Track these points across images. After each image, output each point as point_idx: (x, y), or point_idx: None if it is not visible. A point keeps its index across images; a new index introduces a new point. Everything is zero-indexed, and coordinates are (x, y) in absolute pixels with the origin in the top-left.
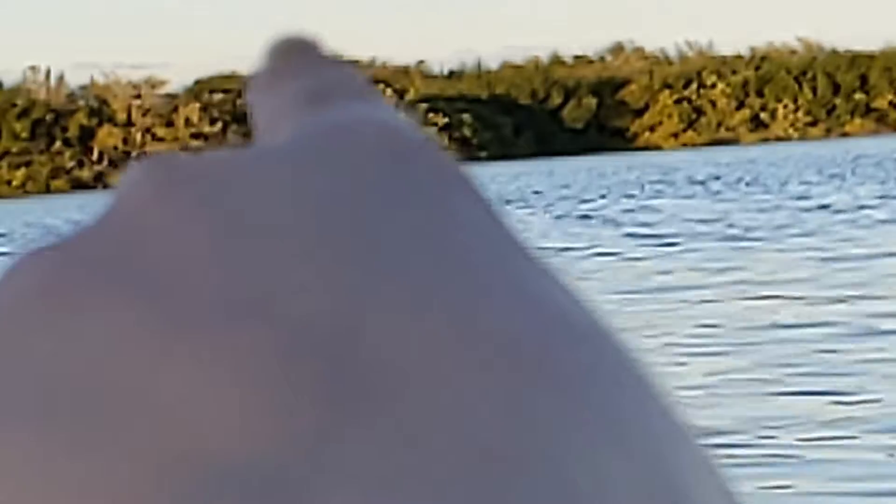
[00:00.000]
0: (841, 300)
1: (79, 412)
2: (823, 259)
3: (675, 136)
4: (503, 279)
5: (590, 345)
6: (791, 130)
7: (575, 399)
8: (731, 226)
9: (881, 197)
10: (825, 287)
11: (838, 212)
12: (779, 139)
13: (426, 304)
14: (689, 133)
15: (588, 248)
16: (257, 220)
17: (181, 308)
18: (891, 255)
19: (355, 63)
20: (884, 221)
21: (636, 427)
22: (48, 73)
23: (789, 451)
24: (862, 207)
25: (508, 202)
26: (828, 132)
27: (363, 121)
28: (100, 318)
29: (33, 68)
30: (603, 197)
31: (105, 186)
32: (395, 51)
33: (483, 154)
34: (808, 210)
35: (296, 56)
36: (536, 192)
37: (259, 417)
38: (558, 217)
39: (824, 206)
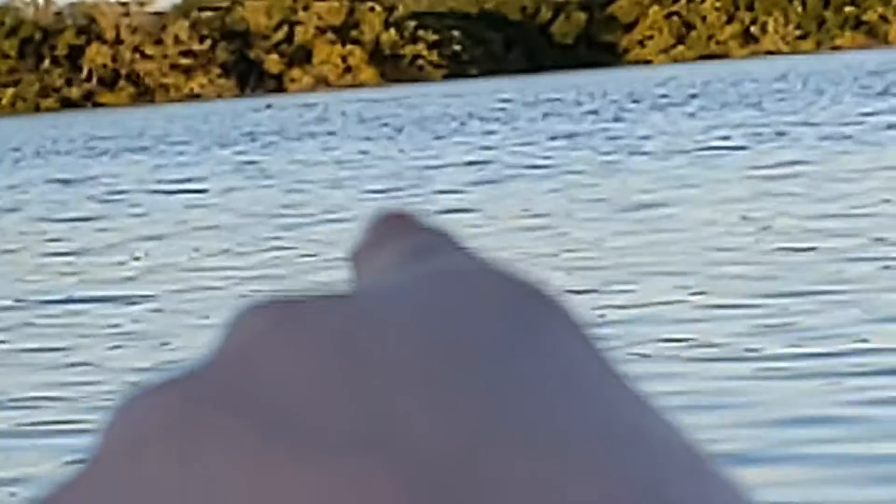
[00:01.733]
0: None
1: None
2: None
3: (666, 51)
4: (612, 416)
5: (692, 477)
6: (781, 44)
7: None
8: (702, 142)
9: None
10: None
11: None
12: (769, 53)
13: (537, 445)
14: (680, 48)
15: (559, 165)
16: (375, 357)
17: (303, 440)
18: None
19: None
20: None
21: None
22: None
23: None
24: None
25: (486, 119)
26: (818, 45)
27: (471, 266)
28: (221, 453)
29: None
30: (585, 114)
31: (94, 104)
32: None
33: (473, 70)
34: (790, 125)
35: (396, 224)
36: (518, 106)
37: None
38: (535, 134)
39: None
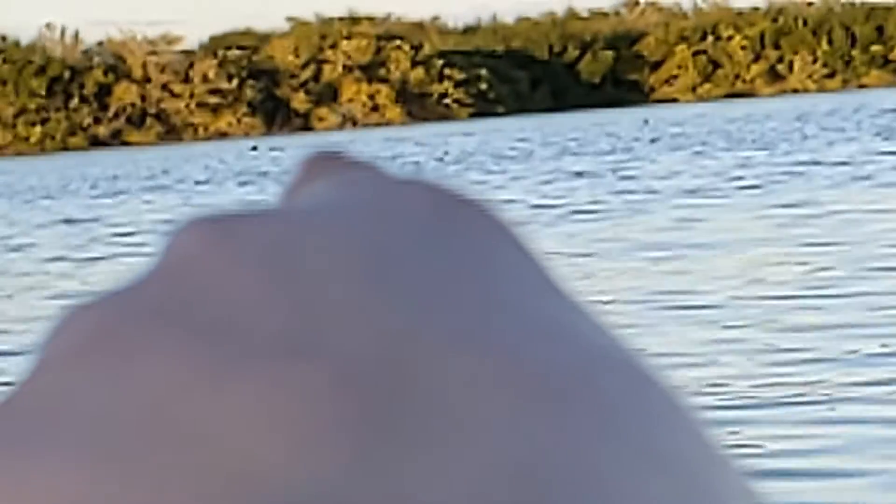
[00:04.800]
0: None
1: (134, 445)
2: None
3: (693, 89)
4: (539, 316)
5: (621, 373)
6: (808, 82)
7: (610, 422)
8: (716, 179)
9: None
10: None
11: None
12: (795, 91)
13: (467, 340)
14: (706, 86)
15: (573, 204)
16: (308, 265)
17: (236, 347)
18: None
19: (370, 20)
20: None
21: (670, 447)
22: (63, 30)
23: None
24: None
25: (506, 158)
26: (845, 84)
27: (400, 181)
28: (155, 360)
29: (49, 25)
30: (601, 153)
31: (122, 143)
32: (411, 6)
33: (500, 108)
34: (800, 164)
35: (326, 162)
36: (537, 146)
37: (309, 445)
38: (551, 172)
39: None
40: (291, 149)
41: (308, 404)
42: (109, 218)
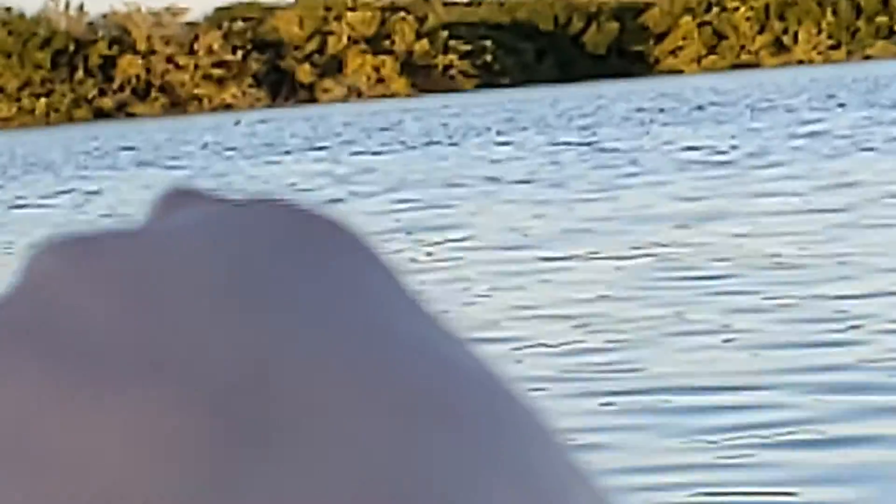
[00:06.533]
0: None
1: None
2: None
3: (698, 60)
4: (400, 333)
5: (480, 389)
6: (813, 54)
7: (465, 435)
8: (713, 153)
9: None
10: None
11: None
12: (801, 63)
13: (327, 356)
14: (712, 57)
15: (560, 177)
16: (167, 287)
17: (91, 369)
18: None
19: None
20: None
21: (523, 460)
22: (68, 2)
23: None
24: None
25: (497, 130)
26: (850, 55)
27: (256, 205)
28: (11, 382)
29: None
30: (592, 125)
31: (127, 115)
32: None
33: (505, 80)
34: (797, 137)
35: (183, 196)
36: (534, 119)
37: (163, 465)
38: (540, 145)
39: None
40: (276, 122)
41: (161, 424)
42: (96, 195)
